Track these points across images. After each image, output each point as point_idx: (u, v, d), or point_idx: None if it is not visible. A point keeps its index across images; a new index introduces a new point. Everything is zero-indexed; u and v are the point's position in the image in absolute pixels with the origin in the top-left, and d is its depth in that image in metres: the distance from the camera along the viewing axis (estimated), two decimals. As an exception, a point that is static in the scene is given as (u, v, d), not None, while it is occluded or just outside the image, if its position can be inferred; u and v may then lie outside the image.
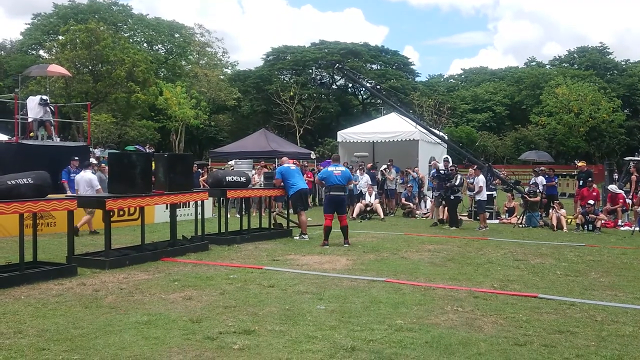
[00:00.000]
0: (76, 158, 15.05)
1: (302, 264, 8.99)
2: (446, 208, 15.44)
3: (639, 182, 16.66)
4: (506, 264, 9.16)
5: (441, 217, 15.63)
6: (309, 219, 13.20)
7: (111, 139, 37.73)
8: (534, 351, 4.80)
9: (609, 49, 62.21)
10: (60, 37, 41.52)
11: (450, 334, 5.26)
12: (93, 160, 17.42)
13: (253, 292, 6.91)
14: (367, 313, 5.97)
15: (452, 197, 14.92)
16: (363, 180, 17.79)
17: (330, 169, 11.77)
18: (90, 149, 20.26)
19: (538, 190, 15.97)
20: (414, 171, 19.27)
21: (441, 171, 15.68)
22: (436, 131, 18.44)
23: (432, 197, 17.29)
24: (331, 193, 11.53)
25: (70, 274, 7.78)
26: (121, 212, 13.72)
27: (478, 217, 15.21)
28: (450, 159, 17.43)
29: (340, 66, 17.03)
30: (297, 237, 12.06)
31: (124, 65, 37.97)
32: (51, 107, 16.39)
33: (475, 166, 16.21)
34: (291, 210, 12.98)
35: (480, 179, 15.12)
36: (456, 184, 14.97)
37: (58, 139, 16.97)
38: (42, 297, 6.58)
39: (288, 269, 8.54)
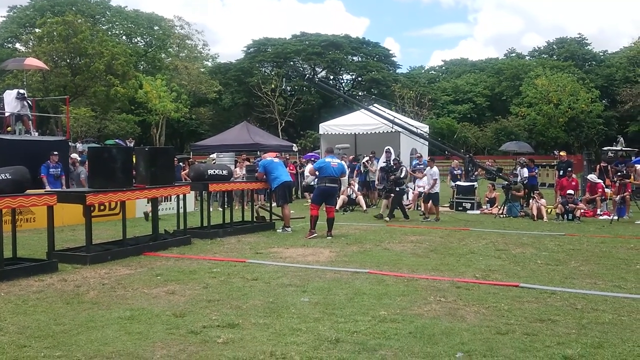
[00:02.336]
0: (55, 153, 14.88)
1: (285, 257, 8.99)
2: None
3: (615, 171, 16.91)
4: (488, 254, 9.25)
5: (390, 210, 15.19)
6: (292, 211, 13.19)
7: (91, 133, 37.33)
8: (516, 340, 4.86)
9: (587, 40, 62.77)
10: (37, 30, 40.89)
11: (434, 324, 5.30)
12: (75, 155, 17.25)
13: (236, 285, 6.90)
14: (350, 305, 5.99)
15: (397, 190, 14.78)
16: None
17: (327, 160, 11.76)
18: (70, 144, 20.04)
19: (519, 181, 16.10)
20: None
21: (384, 163, 15.63)
22: (413, 128, 18.45)
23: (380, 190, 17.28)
24: (326, 184, 11.51)
25: (50, 270, 7.70)
26: (102, 207, 13.59)
27: (422, 212, 15.03)
28: (392, 150, 17.26)
29: (310, 77, 16.95)
30: (280, 230, 12.05)
31: (103, 59, 37.51)
32: (28, 101, 16.16)
33: (427, 158, 16.06)
34: (274, 203, 12.96)
35: (435, 171, 14.78)
36: (401, 176, 14.88)
37: (36, 134, 16.73)
38: (23, 294, 6.50)
39: (271, 261, 8.54)
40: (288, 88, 53.32)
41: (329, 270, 7.88)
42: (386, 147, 17.61)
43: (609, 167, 17.27)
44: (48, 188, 13.53)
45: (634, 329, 5.18)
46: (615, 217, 14.22)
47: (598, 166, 18.32)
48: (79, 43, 36.87)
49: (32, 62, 22.34)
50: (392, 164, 15.41)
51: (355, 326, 5.21)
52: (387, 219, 14.33)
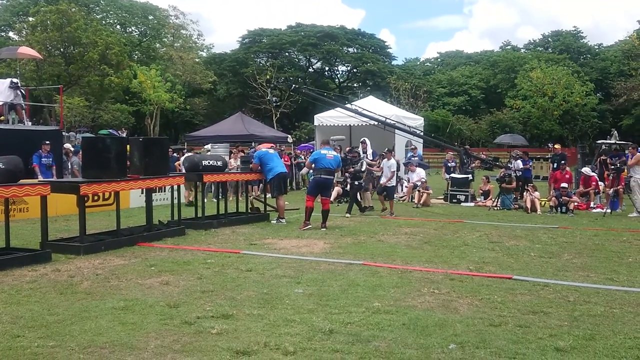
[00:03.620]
0: (47, 142, 14.81)
1: (279, 248, 9.00)
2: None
3: (609, 165, 16.96)
4: (481, 246, 9.28)
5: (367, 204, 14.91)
6: (286, 203, 13.19)
7: (84, 123, 37.13)
8: (508, 331, 4.88)
9: (582, 33, 62.91)
10: (31, 19, 40.50)
11: (427, 315, 5.32)
12: (67, 145, 17.17)
13: (231, 276, 6.90)
14: (344, 296, 6.01)
15: (355, 183, 14.12)
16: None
17: (323, 152, 11.74)
18: (64, 133, 19.95)
19: (513, 174, 16.12)
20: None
21: (344, 154, 15.40)
22: (408, 120, 18.43)
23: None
24: (321, 176, 11.49)
25: (44, 260, 7.68)
26: (96, 197, 13.55)
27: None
28: (368, 142, 16.70)
29: (296, 87, 16.79)
30: (275, 222, 12.05)
31: (97, 48, 37.23)
32: (22, 91, 16.06)
33: (387, 150, 15.34)
34: (269, 195, 12.95)
35: (392, 164, 14.28)
36: (362, 169, 14.34)
37: (29, 123, 16.66)
38: (16, 284, 6.48)
39: (266, 253, 8.54)
40: (280, 78, 53.08)
41: (323, 261, 7.89)
42: (362, 139, 17.39)
43: (608, 161, 17.34)
44: (40, 178, 13.48)
45: (625, 322, 5.21)
46: (609, 210, 14.28)
47: (598, 159, 18.30)
48: (73, 32, 36.57)
49: (26, 51, 22.20)
50: (348, 155, 14.85)
51: (349, 317, 5.22)
52: (347, 214, 13.46)
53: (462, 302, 5.81)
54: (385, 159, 14.68)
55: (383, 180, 14.37)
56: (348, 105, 17.14)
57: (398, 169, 19.44)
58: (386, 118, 17.91)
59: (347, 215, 13.40)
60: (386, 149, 15.50)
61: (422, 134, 20.61)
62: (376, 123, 17.00)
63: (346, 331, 4.86)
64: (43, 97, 34.31)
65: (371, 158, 16.77)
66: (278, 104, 44.23)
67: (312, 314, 5.36)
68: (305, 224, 11.15)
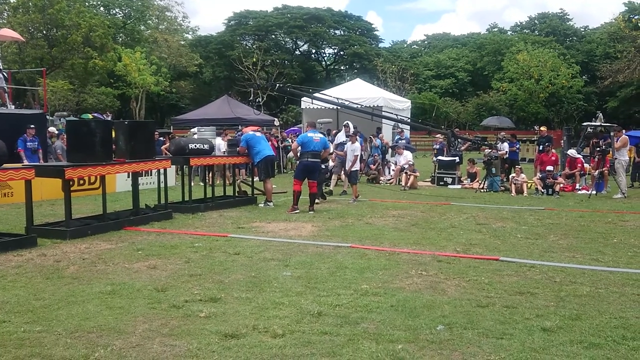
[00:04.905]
0: (32, 126, 14.63)
1: (267, 231, 8.99)
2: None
3: (595, 147, 17.09)
4: (468, 228, 9.33)
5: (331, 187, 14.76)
6: (274, 186, 13.15)
7: (69, 107, 36.67)
8: (496, 312, 4.92)
9: (568, 15, 62.99)
10: (12, 0, 39.82)
11: (415, 297, 5.35)
12: (52, 129, 16.97)
13: (218, 260, 6.89)
14: (333, 279, 6.02)
15: (322, 167, 13.14)
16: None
17: (309, 134, 11.66)
18: (48, 117, 19.70)
19: (494, 155, 16.14)
20: (378, 138, 19.35)
21: (345, 139, 15.18)
22: (396, 104, 18.39)
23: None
24: (308, 159, 11.43)
25: (29, 245, 7.61)
26: (81, 182, 13.43)
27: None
28: (350, 124, 16.24)
29: (280, 86, 16.63)
30: (262, 205, 12.02)
31: (80, 30, 36.71)
32: (4, 74, 15.85)
33: (353, 132, 14.62)
34: (257, 178, 12.89)
35: (356, 147, 13.54)
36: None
37: (12, 107, 16.43)
38: (1, 269, 6.42)
39: (253, 236, 8.53)
40: (269, 61, 52.74)
41: (311, 244, 7.89)
42: (345, 122, 17.27)
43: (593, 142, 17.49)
44: (26, 162, 13.33)
45: (610, 301, 5.27)
46: (594, 192, 14.40)
47: (591, 142, 18.36)
48: (56, 14, 36.01)
49: (7, 33, 21.81)
50: (332, 139, 14.67)
51: (337, 300, 5.24)
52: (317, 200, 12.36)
53: (450, 284, 5.84)
54: (350, 142, 13.94)
55: (348, 165, 13.86)
56: (334, 99, 16.99)
57: (386, 152, 19.52)
58: (373, 108, 17.82)
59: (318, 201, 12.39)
60: (399, 129, 15.05)
61: (409, 120, 20.59)
62: (370, 118, 16.94)
63: (335, 313, 4.87)
64: (26, 80, 33.86)
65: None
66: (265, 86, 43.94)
67: (301, 296, 5.36)
68: (293, 208, 11.14)
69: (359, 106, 17.68)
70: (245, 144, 12.29)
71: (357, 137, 14.16)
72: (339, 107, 20.90)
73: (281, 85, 16.35)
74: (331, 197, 13.91)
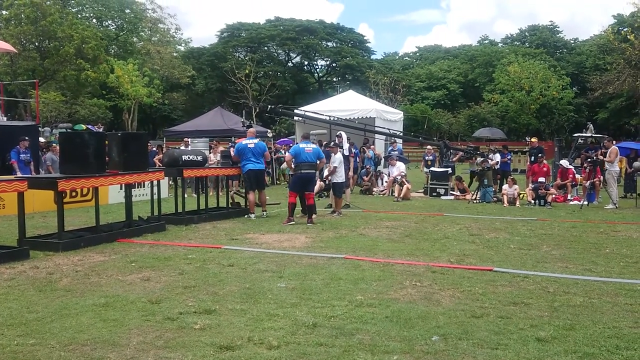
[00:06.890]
0: (26, 138, 14.60)
1: (261, 243, 8.97)
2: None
3: (586, 159, 17.20)
4: (462, 239, 9.35)
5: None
6: (267, 197, 13.11)
7: (61, 118, 36.56)
8: (490, 322, 4.93)
9: (558, 27, 63.69)
10: (4, 12, 39.69)
11: (410, 308, 5.35)
12: (43, 140, 16.92)
13: (212, 271, 6.87)
14: (327, 290, 6.01)
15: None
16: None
17: (301, 145, 11.65)
18: (40, 129, 19.66)
19: (487, 167, 16.21)
20: (370, 149, 19.40)
21: (323, 149, 15.21)
22: (388, 115, 18.51)
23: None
24: (302, 171, 11.41)
25: (22, 257, 7.56)
26: (74, 193, 13.37)
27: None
28: (344, 135, 16.31)
29: (272, 107, 16.73)
30: (249, 216, 11.91)
31: (73, 42, 36.63)
32: (-4, 85, 15.79)
33: (334, 143, 14.41)
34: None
35: (338, 158, 12.93)
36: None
37: (4, 118, 16.39)
38: (-7, 282, 6.38)
39: (247, 247, 8.52)
40: (261, 72, 52.84)
41: (305, 255, 7.89)
42: (338, 132, 17.29)
43: (583, 154, 17.64)
44: (19, 174, 13.28)
45: (604, 311, 5.29)
46: (586, 203, 14.48)
47: (582, 155, 18.55)
48: (48, 26, 35.93)
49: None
50: (326, 149, 14.30)
51: (332, 311, 5.23)
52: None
53: (444, 294, 5.85)
54: (333, 154, 13.18)
55: (325, 174, 13.60)
56: (325, 117, 17.18)
57: (379, 163, 19.56)
58: (365, 125, 17.94)
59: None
60: (332, 143, 14.70)
61: (401, 134, 20.69)
62: (363, 134, 17.02)
63: (329, 325, 4.86)
64: (18, 92, 33.74)
65: (347, 153, 16.67)
66: (258, 97, 44.01)
67: (295, 308, 5.36)
68: (288, 220, 11.11)
69: (353, 119, 17.78)
70: (237, 153, 12.25)
71: (339, 148, 13.93)
72: (331, 122, 21.01)
73: (273, 107, 16.44)
74: (319, 209, 13.81)
